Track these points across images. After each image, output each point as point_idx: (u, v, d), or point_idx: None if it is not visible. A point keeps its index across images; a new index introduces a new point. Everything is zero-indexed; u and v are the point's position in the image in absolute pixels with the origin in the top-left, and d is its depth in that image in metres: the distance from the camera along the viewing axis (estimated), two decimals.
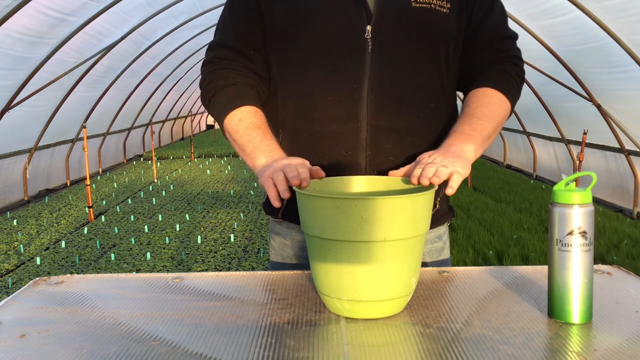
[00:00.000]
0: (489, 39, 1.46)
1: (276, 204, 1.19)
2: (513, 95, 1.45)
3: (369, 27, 1.36)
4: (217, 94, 1.43)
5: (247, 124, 1.37)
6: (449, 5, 1.39)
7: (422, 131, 1.41)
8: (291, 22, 1.40)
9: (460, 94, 1.58)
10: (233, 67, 1.44)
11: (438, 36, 1.40)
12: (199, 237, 5.69)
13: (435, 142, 1.40)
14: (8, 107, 6.71)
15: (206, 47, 1.55)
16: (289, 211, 1.41)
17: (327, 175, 1.26)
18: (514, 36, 1.51)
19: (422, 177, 1.17)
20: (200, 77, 1.52)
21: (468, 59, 1.47)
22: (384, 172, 1.34)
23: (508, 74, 1.46)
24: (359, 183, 1.27)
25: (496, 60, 1.47)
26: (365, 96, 1.36)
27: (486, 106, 1.40)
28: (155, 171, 10.13)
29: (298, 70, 1.40)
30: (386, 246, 1.05)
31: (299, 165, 1.21)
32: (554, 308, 1.08)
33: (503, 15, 1.50)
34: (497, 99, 1.42)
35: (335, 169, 1.35)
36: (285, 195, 1.17)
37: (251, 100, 1.41)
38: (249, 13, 1.44)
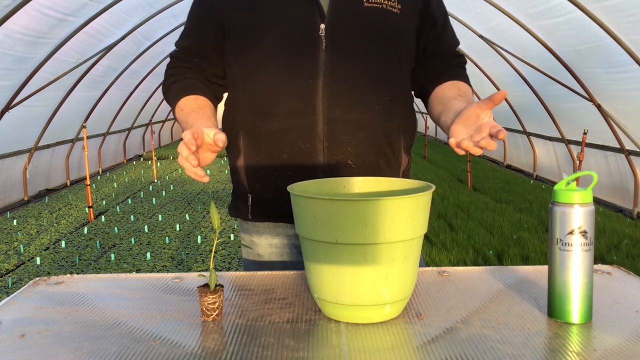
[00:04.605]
0: (442, 51, 1.57)
1: (204, 178, 1.24)
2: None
3: (322, 25, 1.42)
4: (170, 89, 1.54)
5: (186, 111, 1.46)
6: (399, 7, 1.46)
7: (377, 123, 1.48)
8: (247, 23, 1.46)
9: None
10: (186, 65, 1.55)
11: (389, 33, 1.47)
12: (199, 237, 5.69)
13: (390, 133, 1.49)
14: (8, 107, 6.71)
15: None
16: (257, 211, 1.52)
17: (287, 169, 1.38)
18: (458, 43, 1.63)
19: (500, 132, 1.16)
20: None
21: (422, 65, 1.56)
22: (342, 163, 1.43)
23: (466, 75, 1.59)
24: (354, 184, 1.27)
25: (451, 65, 1.58)
26: (320, 90, 1.42)
27: (467, 93, 1.51)
28: (155, 171, 10.14)
29: (256, 69, 1.46)
30: (385, 248, 1.05)
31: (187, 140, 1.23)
32: (554, 308, 1.08)
33: (449, 21, 1.61)
34: (469, 90, 1.54)
35: (295, 161, 1.43)
36: (202, 178, 1.24)
37: (194, 90, 1.50)
38: (206, 15, 1.52)
